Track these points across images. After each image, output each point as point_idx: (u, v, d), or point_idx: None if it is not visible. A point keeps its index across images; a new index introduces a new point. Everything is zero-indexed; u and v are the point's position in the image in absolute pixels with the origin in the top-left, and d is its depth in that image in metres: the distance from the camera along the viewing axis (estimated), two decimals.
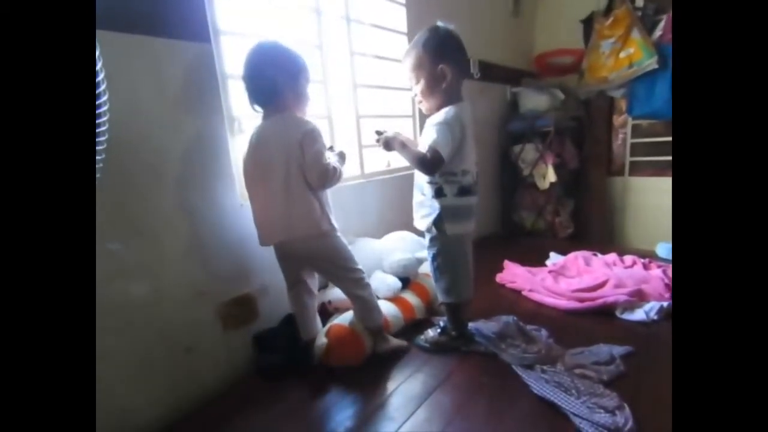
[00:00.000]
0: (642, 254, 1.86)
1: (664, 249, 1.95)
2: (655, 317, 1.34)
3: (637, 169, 2.64)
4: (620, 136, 2.65)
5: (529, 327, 1.29)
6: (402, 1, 1.80)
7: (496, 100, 2.57)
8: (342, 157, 1.16)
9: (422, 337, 1.29)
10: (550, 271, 1.75)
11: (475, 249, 1.25)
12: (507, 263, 1.87)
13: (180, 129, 1.05)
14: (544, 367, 1.09)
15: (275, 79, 1.04)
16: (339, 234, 1.14)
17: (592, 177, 2.66)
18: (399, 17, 1.81)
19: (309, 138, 1.04)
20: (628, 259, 1.81)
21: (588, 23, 2.48)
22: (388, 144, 1.16)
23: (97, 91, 0.64)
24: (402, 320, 1.33)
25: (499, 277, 1.78)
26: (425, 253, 1.44)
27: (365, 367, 1.17)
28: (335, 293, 1.33)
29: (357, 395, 1.08)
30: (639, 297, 1.45)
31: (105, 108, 0.67)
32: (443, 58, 1.10)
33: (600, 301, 1.43)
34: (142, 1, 0.94)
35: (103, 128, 0.68)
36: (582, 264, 1.79)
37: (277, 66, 1.05)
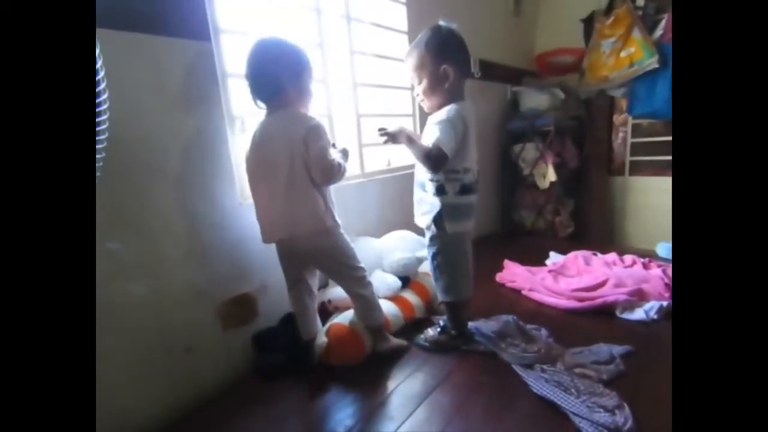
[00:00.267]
0: (642, 254, 1.86)
1: (664, 248, 1.95)
2: (655, 317, 1.34)
3: (637, 169, 2.64)
4: (621, 135, 2.65)
5: (528, 326, 1.29)
6: (402, 0, 1.80)
7: (497, 99, 2.57)
8: (345, 154, 1.16)
9: (422, 336, 1.29)
10: (550, 271, 1.75)
11: (475, 248, 1.25)
12: (507, 262, 1.87)
13: (180, 128, 1.05)
14: (544, 367, 1.09)
15: (279, 76, 1.03)
16: (342, 231, 1.14)
17: (592, 176, 2.66)
18: (399, 16, 1.81)
19: (313, 134, 1.03)
20: (628, 258, 1.81)
21: (589, 22, 2.48)
22: (394, 138, 1.14)
23: (97, 90, 0.64)
24: (402, 319, 1.33)
25: (499, 277, 1.78)
26: (425, 253, 1.44)
27: (365, 366, 1.17)
28: (335, 292, 1.33)
29: (357, 394, 1.08)
30: (639, 296, 1.45)
31: (105, 107, 0.67)
32: (446, 58, 1.10)
33: (600, 300, 1.43)
34: (142, 0, 0.94)
35: (103, 127, 0.68)
36: (582, 263, 1.79)
37: (281, 62, 1.04)
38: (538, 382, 1.03)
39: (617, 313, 1.40)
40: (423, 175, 1.18)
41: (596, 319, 1.39)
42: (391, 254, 1.45)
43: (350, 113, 1.59)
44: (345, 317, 1.22)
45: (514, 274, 1.76)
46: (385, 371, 1.16)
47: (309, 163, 1.03)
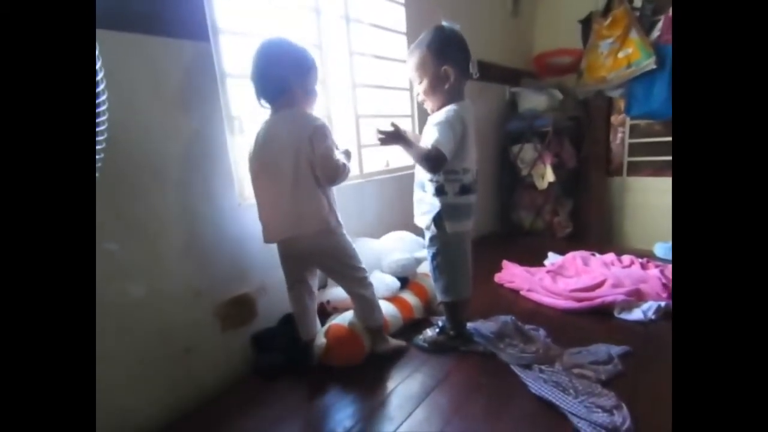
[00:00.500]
0: (640, 254, 1.87)
1: (661, 249, 1.96)
2: (653, 317, 1.34)
3: (635, 169, 2.65)
4: (619, 135, 2.66)
5: (527, 327, 1.30)
6: (401, 1, 1.80)
7: (495, 100, 2.58)
8: (348, 155, 1.16)
9: (421, 336, 1.29)
10: (548, 271, 1.75)
11: (474, 249, 1.25)
12: (505, 263, 1.88)
13: (178, 129, 1.05)
14: (542, 367, 1.09)
15: (284, 76, 1.03)
16: (345, 232, 1.14)
17: (590, 177, 2.67)
18: (398, 17, 1.81)
19: (319, 134, 1.03)
20: (626, 258, 1.81)
21: (586, 23, 2.48)
22: (391, 140, 1.13)
23: (96, 91, 0.64)
24: (401, 320, 1.33)
25: (498, 277, 1.79)
26: (424, 253, 1.44)
27: (364, 366, 1.17)
28: (334, 293, 1.33)
29: (356, 395, 1.08)
30: (637, 297, 1.45)
31: (104, 107, 0.67)
32: (447, 59, 1.10)
33: (598, 300, 1.44)
34: (140, 0, 0.94)
35: (102, 128, 0.68)
36: (580, 264, 1.79)
37: (287, 62, 1.04)
38: (536, 383, 1.03)
39: (615, 313, 1.40)
40: (422, 175, 1.19)
41: (594, 320, 1.39)
42: (390, 255, 1.45)
43: (349, 114, 1.60)
44: (344, 318, 1.23)
45: (512, 274, 1.77)
46: (383, 372, 1.16)
47: (314, 163, 1.03)
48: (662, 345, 1.20)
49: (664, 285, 1.50)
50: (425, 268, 1.49)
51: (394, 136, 1.07)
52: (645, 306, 1.39)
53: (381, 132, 1.07)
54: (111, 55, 0.81)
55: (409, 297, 1.41)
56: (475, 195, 1.19)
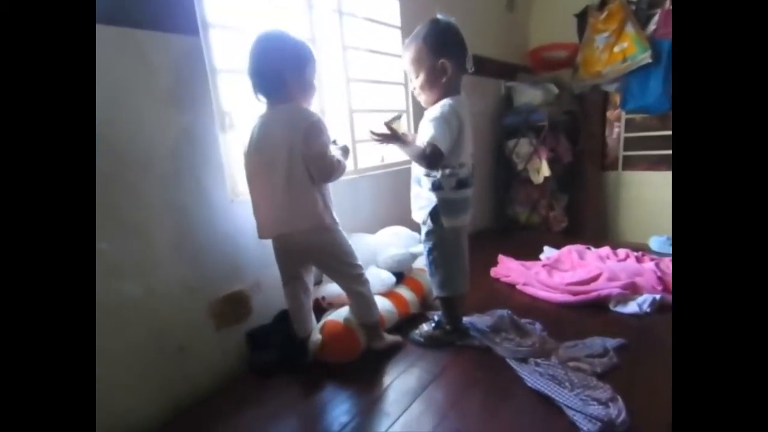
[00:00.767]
0: (635, 247, 1.88)
1: (657, 242, 1.96)
2: (648, 310, 1.35)
3: (630, 164, 2.65)
4: (615, 130, 2.66)
5: (523, 320, 1.30)
6: None
7: (491, 94, 2.57)
8: (345, 151, 1.15)
9: (417, 331, 1.29)
10: (544, 265, 1.75)
11: (470, 243, 1.25)
12: (501, 257, 1.88)
13: (168, 125, 1.03)
14: (538, 361, 1.09)
15: (281, 69, 1.01)
16: (341, 228, 1.13)
17: (585, 171, 2.67)
18: (392, 11, 1.80)
19: (314, 130, 1.02)
20: (622, 252, 1.82)
21: (582, 17, 2.48)
22: (389, 140, 1.13)
23: None
24: (396, 315, 1.33)
25: (494, 272, 1.79)
26: (419, 248, 1.44)
27: (360, 362, 1.17)
28: (329, 289, 1.32)
29: (352, 391, 1.08)
30: (632, 290, 1.45)
31: None
32: (444, 53, 1.09)
33: (593, 294, 1.44)
34: None
35: None
36: (576, 257, 1.80)
37: (283, 55, 1.02)
38: (532, 376, 1.03)
39: (611, 306, 1.41)
40: (418, 170, 1.18)
41: (590, 313, 1.39)
42: (385, 250, 1.45)
43: (343, 109, 1.58)
44: (339, 314, 1.22)
45: (508, 268, 1.77)
46: (379, 367, 1.16)
47: (309, 159, 1.02)
48: (657, 338, 1.21)
49: (660, 278, 1.51)
50: (421, 263, 1.49)
51: (389, 137, 1.10)
52: (640, 299, 1.39)
53: (376, 134, 1.09)
54: (97, 50, 0.79)
55: (404, 292, 1.41)
56: (472, 189, 1.18)
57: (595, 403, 0.91)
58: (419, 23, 1.15)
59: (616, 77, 2.36)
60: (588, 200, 2.67)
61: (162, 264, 1.04)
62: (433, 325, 1.28)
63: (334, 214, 1.11)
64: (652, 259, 1.70)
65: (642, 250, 1.85)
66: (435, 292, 1.26)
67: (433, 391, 1.04)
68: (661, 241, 1.95)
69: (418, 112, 1.21)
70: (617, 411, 0.88)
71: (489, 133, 2.56)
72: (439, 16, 1.13)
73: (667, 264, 1.64)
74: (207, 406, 1.06)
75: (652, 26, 2.23)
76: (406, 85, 1.87)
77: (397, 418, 0.95)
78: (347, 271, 1.15)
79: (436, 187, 1.14)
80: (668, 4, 2.18)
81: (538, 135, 2.39)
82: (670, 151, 2.43)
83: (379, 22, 1.74)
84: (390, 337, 1.24)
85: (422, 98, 1.18)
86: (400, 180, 1.75)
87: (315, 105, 1.43)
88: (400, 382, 1.09)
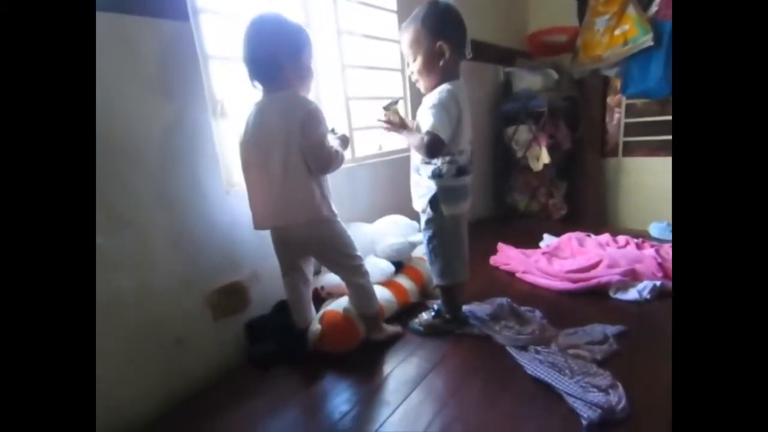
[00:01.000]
0: (635, 234, 1.87)
1: (657, 229, 1.95)
2: (648, 296, 1.34)
3: (630, 150, 2.63)
4: (615, 116, 2.63)
5: (523, 308, 1.29)
6: None
7: (489, 80, 2.53)
8: (344, 141, 1.13)
9: (416, 320, 1.28)
10: (543, 253, 1.74)
11: (469, 232, 1.24)
12: (501, 245, 1.87)
13: (159, 114, 1.00)
14: (538, 348, 1.09)
15: (277, 55, 0.98)
16: (339, 220, 1.11)
17: (585, 158, 2.65)
18: None
19: (312, 119, 0.99)
20: (622, 239, 1.81)
21: (582, 0, 2.43)
22: (396, 128, 1.13)
23: None
24: (396, 304, 1.32)
25: (493, 260, 1.78)
26: (418, 237, 1.42)
27: (359, 352, 1.16)
28: (328, 279, 1.31)
29: (351, 380, 1.07)
30: (632, 277, 1.45)
31: None
32: (442, 35, 1.07)
33: (593, 281, 1.43)
34: None
35: None
36: (575, 245, 1.79)
37: (280, 41, 0.98)
38: (532, 364, 1.03)
39: (611, 293, 1.40)
40: (417, 159, 1.16)
41: (590, 300, 1.39)
42: (384, 239, 1.43)
43: (339, 96, 1.55)
44: (339, 304, 1.21)
45: (507, 256, 1.76)
46: (379, 357, 1.15)
47: (306, 150, 0.99)
48: (658, 324, 1.20)
49: (660, 264, 1.50)
50: (420, 251, 1.48)
51: (396, 125, 1.11)
52: (640, 286, 1.39)
53: (385, 122, 1.12)
54: None
55: (404, 281, 1.40)
56: (471, 176, 1.17)
57: (595, 390, 0.91)
58: (415, 7, 1.11)
59: (616, 61, 2.32)
60: (588, 187, 2.65)
61: (157, 256, 1.02)
62: (432, 313, 1.27)
63: (333, 206, 1.09)
64: (652, 246, 1.70)
65: (642, 236, 1.84)
66: (434, 281, 1.25)
67: (432, 379, 1.04)
68: (661, 227, 1.94)
69: (416, 98, 1.18)
70: (617, 398, 0.88)
71: (487, 120, 2.53)
72: None
73: (667, 250, 1.63)
74: (205, 398, 1.05)
75: (654, 8, 2.18)
76: (403, 71, 1.83)
77: (397, 407, 0.95)
78: (346, 263, 1.13)
79: (435, 174, 1.12)
80: None
81: (537, 122, 2.36)
82: (670, 137, 2.41)
83: (374, 6, 1.69)
84: (389, 328, 1.23)
85: (420, 84, 1.16)
86: (398, 168, 1.73)
87: (311, 92, 1.41)
88: (400, 371, 1.08)
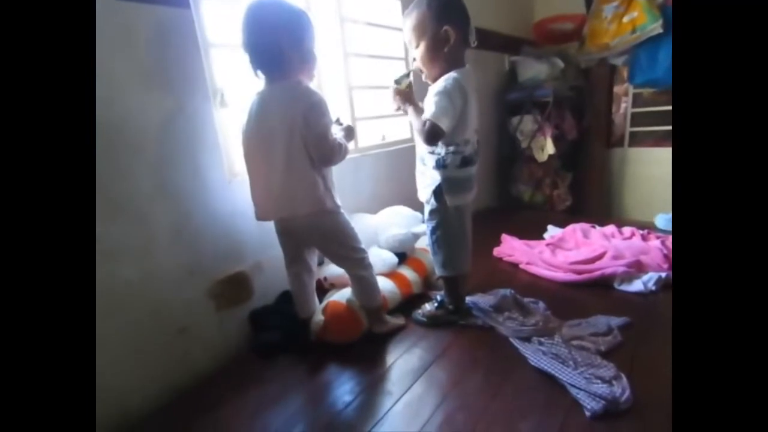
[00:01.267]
0: (641, 225, 1.85)
1: (663, 220, 1.93)
2: (653, 288, 1.33)
3: (636, 140, 2.59)
4: (622, 105, 2.59)
5: (526, 300, 1.28)
6: None
7: (494, 69, 2.49)
8: (349, 132, 1.12)
9: (419, 311, 1.28)
10: (548, 244, 1.73)
11: (473, 223, 1.23)
12: (504, 237, 1.85)
13: (159, 103, 0.99)
14: (542, 339, 1.08)
15: (279, 41, 0.95)
16: (343, 212, 1.10)
17: (591, 149, 2.62)
18: None
19: (316, 111, 0.97)
20: (627, 230, 1.79)
21: None
22: (405, 100, 1.12)
23: None
24: (399, 296, 1.32)
25: (497, 251, 1.77)
26: (422, 228, 1.42)
27: (362, 342, 1.17)
28: (331, 269, 1.31)
29: (354, 370, 1.08)
30: (637, 268, 1.44)
31: None
32: (448, 20, 1.05)
33: (598, 272, 1.42)
34: None
35: None
36: (580, 236, 1.77)
37: (281, 26, 0.95)
38: (535, 355, 1.02)
39: (615, 285, 1.39)
40: (422, 149, 1.15)
41: (594, 292, 1.38)
42: (387, 230, 1.43)
43: (341, 85, 1.53)
44: (342, 295, 1.21)
45: (511, 248, 1.75)
46: (382, 347, 1.16)
47: (309, 142, 0.97)
48: (662, 316, 1.20)
49: (665, 256, 1.49)
50: (423, 242, 1.47)
51: (406, 99, 1.11)
52: (645, 277, 1.38)
53: (395, 94, 1.12)
54: None
55: (407, 272, 1.40)
56: (476, 167, 1.15)
57: (599, 381, 0.91)
58: None
59: (624, 49, 2.27)
60: (593, 178, 2.63)
61: (160, 246, 1.02)
62: (435, 304, 1.27)
63: (336, 198, 1.08)
64: (657, 237, 1.68)
65: (648, 228, 1.82)
66: (438, 272, 1.24)
67: (435, 370, 1.04)
68: (666, 218, 1.92)
69: (419, 88, 1.16)
70: (621, 389, 0.88)
71: (492, 109, 2.50)
72: None
73: (672, 243, 1.61)
74: (208, 388, 1.06)
75: None
76: (407, 60, 1.80)
77: (400, 397, 0.95)
78: (350, 255, 1.12)
79: (440, 165, 1.11)
80: None
81: (542, 111, 2.33)
82: None
83: None
84: (392, 321, 1.23)
85: (423, 71, 1.14)
86: (401, 159, 1.72)
87: (312, 81, 1.39)
88: (403, 362, 1.09)
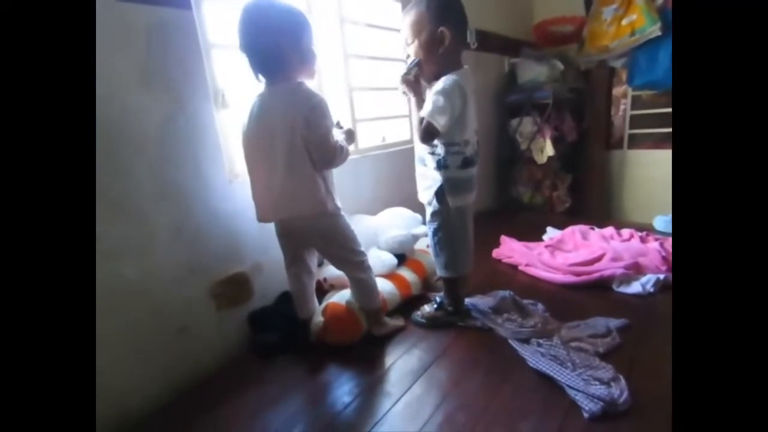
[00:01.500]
0: (639, 227, 1.85)
1: (661, 222, 1.94)
2: (652, 290, 1.34)
3: (635, 142, 2.60)
4: (621, 107, 2.60)
5: (525, 301, 1.29)
6: None
7: (494, 71, 2.50)
8: (350, 135, 1.12)
9: (419, 312, 1.28)
10: (547, 246, 1.73)
11: (473, 224, 1.23)
12: (504, 238, 1.86)
13: (160, 103, 0.99)
14: (541, 341, 1.09)
15: (277, 44, 0.95)
16: (343, 214, 1.11)
17: (590, 150, 2.62)
18: None
19: (317, 113, 0.97)
20: (626, 232, 1.80)
21: None
22: (411, 87, 1.13)
23: None
24: (399, 297, 1.32)
25: (496, 252, 1.77)
26: (421, 230, 1.42)
27: (361, 343, 1.17)
28: (331, 270, 1.31)
29: (354, 371, 1.08)
30: (636, 270, 1.44)
31: None
32: (445, 21, 1.06)
33: (596, 274, 1.43)
34: None
35: None
36: (579, 238, 1.78)
37: (277, 28, 0.95)
38: (534, 357, 1.03)
39: (614, 286, 1.40)
40: (422, 149, 1.15)
41: (593, 293, 1.38)
42: (387, 231, 1.43)
43: (342, 86, 1.54)
44: (342, 296, 1.21)
45: (511, 249, 1.75)
46: (381, 348, 1.16)
47: (311, 144, 0.98)
48: (661, 318, 1.20)
49: (664, 258, 1.49)
50: (422, 244, 1.47)
51: (413, 86, 1.12)
52: (644, 279, 1.38)
53: (404, 81, 1.13)
54: None
55: (406, 274, 1.40)
56: (476, 167, 1.16)
57: (597, 383, 0.91)
58: None
59: (623, 52, 2.28)
60: (592, 180, 2.63)
61: (161, 246, 1.02)
62: (435, 306, 1.27)
63: (337, 200, 1.08)
64: (656, 239, 1.69)
65: (646, 229, 1.83)
66: (438, 272, 1.25)
67: (434, 371, 1.05)
68: (665, 220, 1.93)
69: None
70: (619, 391, 0.88)
71: (492, 111, 2.51)
72: None
73: (671, 244, 1.62)
74: (208, 388, 1.06)
75: None
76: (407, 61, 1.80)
77: (399, 398, 0.95)
78: (349, 258, 1.13)
79: (441, 165, 1.11)
80: None
81: (542, 113, 2.34)
82: None
83: None
84: (391, 323, 1.23)
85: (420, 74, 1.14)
86: (401, 160, 1.72)
87: (313, 82, 1.39)
88: (402, 363, 1.09)
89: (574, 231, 1.83)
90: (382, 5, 1.70)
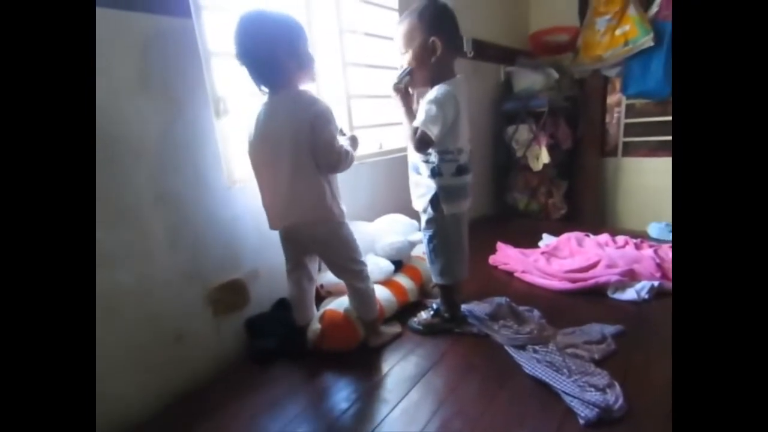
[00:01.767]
0: (634, 234, 1.87)
1: (655, 229, 1.96)
2: (647, 296, 1.35)
3: (630, 150, 2.63)
4: (615, 116, 2.63)
5: (521, 308, 1.30)
6: None
7: (490, 80, 2.53)
8: (354, 141, 1.13)
9: (415, 319, 1.29)
10: (542, 252, 1.75)
11: (468, 231, 1.24)
12: (500, 245, 1.87)
13: (161, 110, 1.00)
14: (536, 347, 1.10)
15: (274, 53, 0.96)
16: (347, 221, 1.11)
17: (585, 158, 2.65)
18: None
19: (321, 120, 0.98)
20: (621, 239, 1.82)
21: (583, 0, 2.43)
22: (402, 97, 1.13)
23: None
24: (395, 304, 1.32)
25: (492, 259, 1.78)
26: (418, 236, 1.43)
27: (358, 349, 1.17)
28: (328, 277, 1.32)
29: (351, 378, 1.08)
30: (630, 277, 1.46)
31: None
32: (436, 31, 1.07)
33: (592, 281, 1.44)
34: None
35: None
36: (574, 245, 1.79)
37: (271, 38, 0.97)
38: (530, 363, 1.03)
39: (609, 293, 1.41)
40: (416, 158, 1.16)
41: (588, 300, 1.40)
42: (384, 238, 1.44)
43: (340, 94, 1.55)
44: (340, 304, 1.21)
45: (506, 256, 1.76)
46: (378, 355, 1.16)
47: (316, 150, 0.99)
48: (655, 324, 1.21)
49: (658, 265, 1.51)
50: (419, 250, 1.48)
51: (404, 95, 1.13)
52: (638, 286, 1.40)
53: (395, 90, 1.13)
54: None
55: (403, 280, 1.40)
56: (471, 174, 1.17)
57: (593, 389, 0.92)
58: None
59: (617, 61, 2.32)
60: (587, 187, 2.65)
61: (159, 252, 1.02)
62: (431, 312, 1.28)
63: (342, 206, 1.09)
64: (650, 246, 1.70)
65: (641, 236, 1.85)
66: (434, 280, 1.25)
67: (431, 377, 1.05)
68: (659, 227, 1.95)
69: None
70: (615, 397, 0.89)
71: (488, 119, 2.53)
72: None
73: (665, 251, 1.64)
74: (205, 394, 1.06)
75: (654, 8, 2.19)
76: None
77: (396, 404, 0.96)
78: (349, 267, 1.13)
79: (435, 173, 1.13)
80: None
81: (537, 121, 2.37)
82: (669, 137, 2.41)
83: (376, 4, 1.69)
84: (388, 332, 1.23)
85: (411, 83, 1.15)
86: (397, 167, 1.73)
87: (311, 90, 1.41)
88: (399, 369, 1.09)
89: (570, 238, 1.84)
90: (380, 15, 1.72)
